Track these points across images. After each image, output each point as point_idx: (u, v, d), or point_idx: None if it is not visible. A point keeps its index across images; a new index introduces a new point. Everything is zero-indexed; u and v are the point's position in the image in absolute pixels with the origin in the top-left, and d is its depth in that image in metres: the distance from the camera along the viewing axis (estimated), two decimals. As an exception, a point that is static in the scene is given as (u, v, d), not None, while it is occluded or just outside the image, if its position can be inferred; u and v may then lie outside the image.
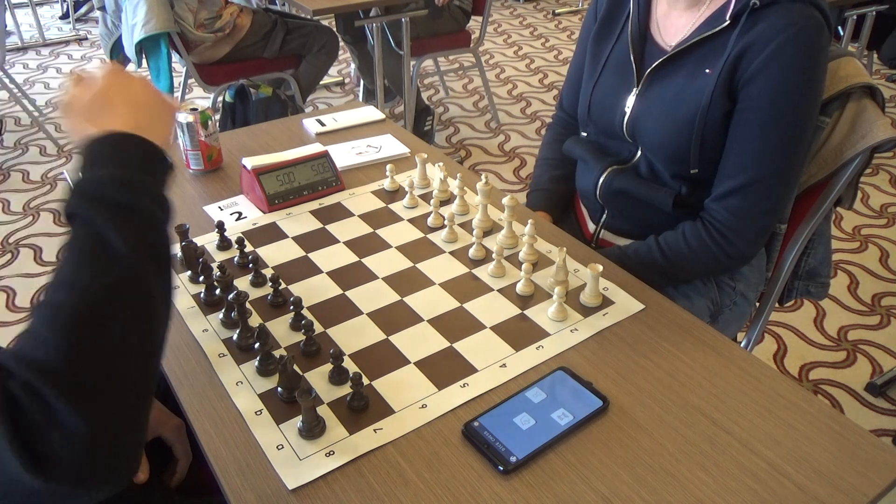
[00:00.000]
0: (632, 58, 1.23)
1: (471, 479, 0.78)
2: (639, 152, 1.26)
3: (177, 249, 1.11)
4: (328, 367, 0.91)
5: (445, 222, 1.19)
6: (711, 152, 1.15)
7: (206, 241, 1.18)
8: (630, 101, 1.23)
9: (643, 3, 1.24)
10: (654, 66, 1.19)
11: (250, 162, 1.28)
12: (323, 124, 1.58)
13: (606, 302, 1.04)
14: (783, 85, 1.06)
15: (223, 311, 1.01)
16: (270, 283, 1.04)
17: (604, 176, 1.28)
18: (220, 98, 3.01)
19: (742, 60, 1.08)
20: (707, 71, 1.12)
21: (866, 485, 0.77)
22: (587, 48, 1.33)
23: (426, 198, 1.30)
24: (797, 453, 0.81)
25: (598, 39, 1.31)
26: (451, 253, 1.16)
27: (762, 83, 1.07)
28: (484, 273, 1.11)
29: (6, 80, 3.38)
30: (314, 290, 1.07)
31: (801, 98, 1.08)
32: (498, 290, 1.07)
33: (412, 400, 0.88)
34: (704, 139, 1.14)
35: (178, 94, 3.30)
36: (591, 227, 1.40)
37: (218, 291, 1.04)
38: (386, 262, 1.13)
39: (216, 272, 1.03)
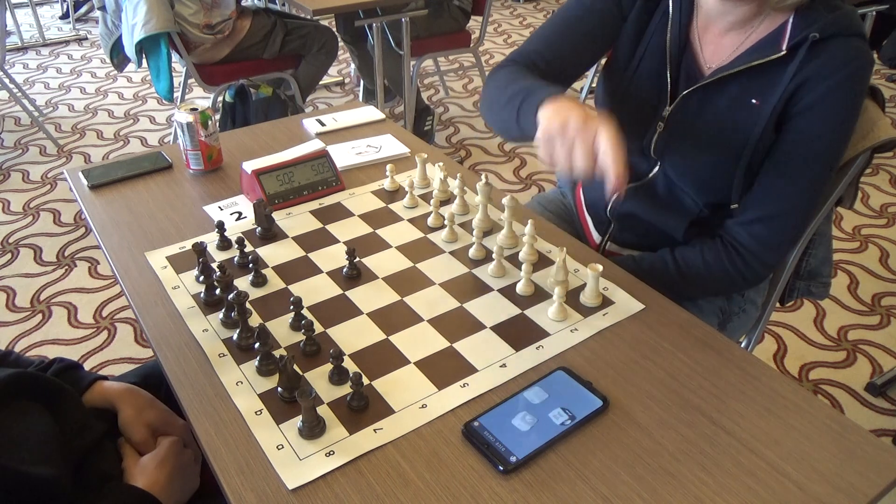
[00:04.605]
0: (668, 73, 1.15)
1: (471, 479, 0.78)
2: (656, 168, 1.21)
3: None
4: (328, 367, 0.91)
5: (445, 222, 1.18)
6: (749, 183, 1.12)
7: (207, 241, 1.18)
8: (662, 116, 1.16)
9: (685, 7, 1.13)
10: (692, 88, 1.12)
11: (250, 166, 1.27)
12: (323, 124, 1.58)
13: (606, 302, 1.04)
14: (832, 123, 1.04)
15: (223, 311, 1.01)
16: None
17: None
18: (220, 98, 3.01)
19: (796, 94, 1.04)
20: (753, 101, 1.07)
21: (866, 485, 0.77)
22: (598, 20, 1.18)
23: (426, 198, 1.30)
24: (797, 453, 0.81)
25: (628, 34, 1.19)
26: (451, 253, 1.16)
27: (814, 118, 1.03)
28: (484, 273, 1.11)
29: (6, 80, 3.38)
30: (314, 290, 1.07)
31: (843, 137, 1.06)
32: (498, 290, 1.07)
33: (412, 400, 0.88)
34: (749, 172, 1.10)
35: (178, 94, 3.29)
36: (596, 236, 1.38)
37: (218, 291, 1.04)
38: (386, 262, 1.13)
39: (216, 272, 1.03)
